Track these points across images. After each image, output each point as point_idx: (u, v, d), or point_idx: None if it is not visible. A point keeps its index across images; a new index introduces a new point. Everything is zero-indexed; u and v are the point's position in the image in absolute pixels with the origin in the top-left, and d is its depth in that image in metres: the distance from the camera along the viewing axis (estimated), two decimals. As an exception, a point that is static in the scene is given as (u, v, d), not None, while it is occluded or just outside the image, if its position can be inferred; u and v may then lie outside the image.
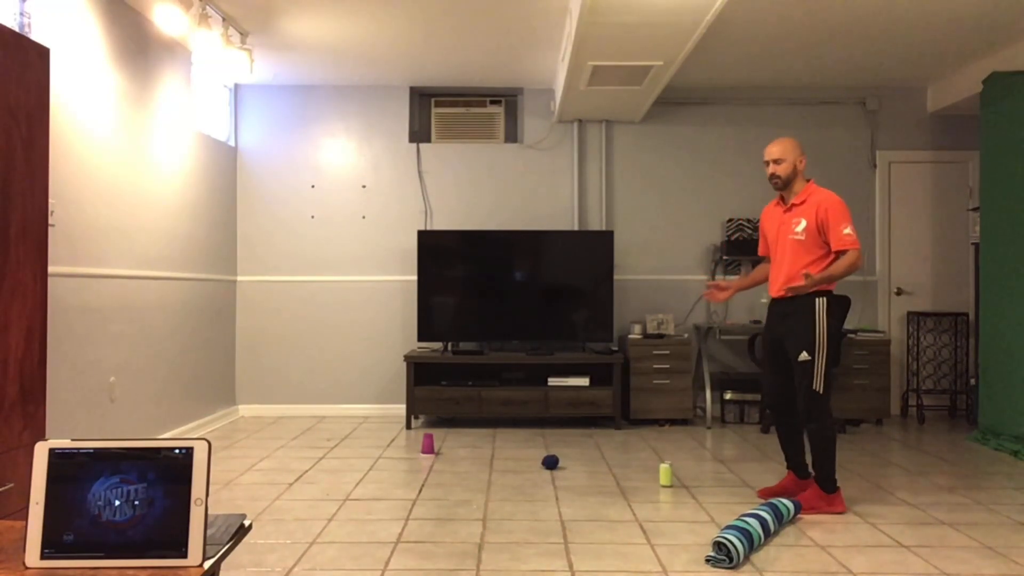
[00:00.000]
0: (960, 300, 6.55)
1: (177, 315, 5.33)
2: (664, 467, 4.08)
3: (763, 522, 3.14)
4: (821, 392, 3.58)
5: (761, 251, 4.01)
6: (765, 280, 4.05)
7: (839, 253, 3.61)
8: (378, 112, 6.54)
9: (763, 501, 3.79)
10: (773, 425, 4.00)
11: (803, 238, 3.67)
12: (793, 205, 3.74)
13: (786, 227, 3.75)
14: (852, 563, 2.94)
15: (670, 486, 4.07)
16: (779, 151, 3.74)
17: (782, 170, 3.73)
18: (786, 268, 3.73)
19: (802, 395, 3.63)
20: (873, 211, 6.56)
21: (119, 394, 4.57)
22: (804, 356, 3.60)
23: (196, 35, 4.55)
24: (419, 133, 6.63)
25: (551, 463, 4.51)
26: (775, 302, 3.81)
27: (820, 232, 3.65)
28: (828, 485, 3.61)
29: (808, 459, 3.84)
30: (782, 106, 6.57)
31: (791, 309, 3.70)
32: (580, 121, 6.53)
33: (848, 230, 3.58)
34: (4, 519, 2.67)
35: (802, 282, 3.59)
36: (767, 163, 3.81)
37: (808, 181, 3.78)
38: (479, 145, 6.57)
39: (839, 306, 3.68)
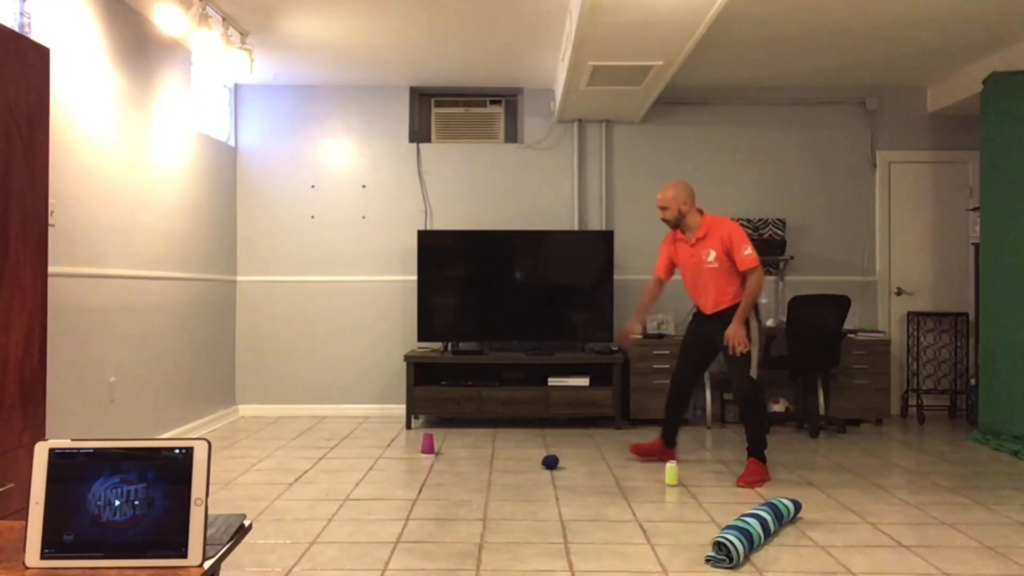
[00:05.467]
0: (960, 300, 6.55)
1: (177, 315, 5.33)
2: (670, 466, 4.09)
3: (763, 522, 3.15)
4: (755, 377, 4.23)
5: (658, 271, 4.57)
6: (659, 295, 4.65)
7: (745, 273, 4.22)
8: (378, 112, 6.54)
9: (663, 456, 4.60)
10: (668, 398, 4.59)
11: (716, 266, 4.28)
12: (698, 239, 4.32)
13: (697, 259, 4.34)
14: (852, 563, 2.94)
15: (676, 485, 4.08)
16: (662, 199, 4.35)
17: (667, 215, 4.36)
18: (712, 293, 4.32)
19: (739, 377, 4.21)
20: (873, 211, 6.56)
21: (119, 394, 4.57)
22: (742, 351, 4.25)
23: (196, 35, 4.55)
24: (419, 133, 6.63)
25: (551, 463, 4.51)
26: (706, 316, 4.37)
27: (728, 257, 4.26)
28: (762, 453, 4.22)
29: (679, 437, 4.75)
30: (782, 106, 6.57)
31: (725, 319, 4.25)
32: (580, 121, 6.53)
33: (748, 251, 4.21)
34: (4, 519, 2.67)
35: (729, 304, 4.25)
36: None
37: (702, 215, 4.35)
38: (479, 145, 6.56)
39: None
